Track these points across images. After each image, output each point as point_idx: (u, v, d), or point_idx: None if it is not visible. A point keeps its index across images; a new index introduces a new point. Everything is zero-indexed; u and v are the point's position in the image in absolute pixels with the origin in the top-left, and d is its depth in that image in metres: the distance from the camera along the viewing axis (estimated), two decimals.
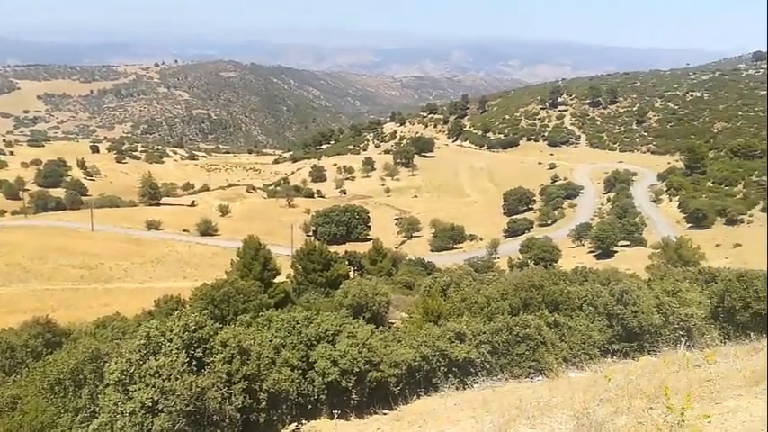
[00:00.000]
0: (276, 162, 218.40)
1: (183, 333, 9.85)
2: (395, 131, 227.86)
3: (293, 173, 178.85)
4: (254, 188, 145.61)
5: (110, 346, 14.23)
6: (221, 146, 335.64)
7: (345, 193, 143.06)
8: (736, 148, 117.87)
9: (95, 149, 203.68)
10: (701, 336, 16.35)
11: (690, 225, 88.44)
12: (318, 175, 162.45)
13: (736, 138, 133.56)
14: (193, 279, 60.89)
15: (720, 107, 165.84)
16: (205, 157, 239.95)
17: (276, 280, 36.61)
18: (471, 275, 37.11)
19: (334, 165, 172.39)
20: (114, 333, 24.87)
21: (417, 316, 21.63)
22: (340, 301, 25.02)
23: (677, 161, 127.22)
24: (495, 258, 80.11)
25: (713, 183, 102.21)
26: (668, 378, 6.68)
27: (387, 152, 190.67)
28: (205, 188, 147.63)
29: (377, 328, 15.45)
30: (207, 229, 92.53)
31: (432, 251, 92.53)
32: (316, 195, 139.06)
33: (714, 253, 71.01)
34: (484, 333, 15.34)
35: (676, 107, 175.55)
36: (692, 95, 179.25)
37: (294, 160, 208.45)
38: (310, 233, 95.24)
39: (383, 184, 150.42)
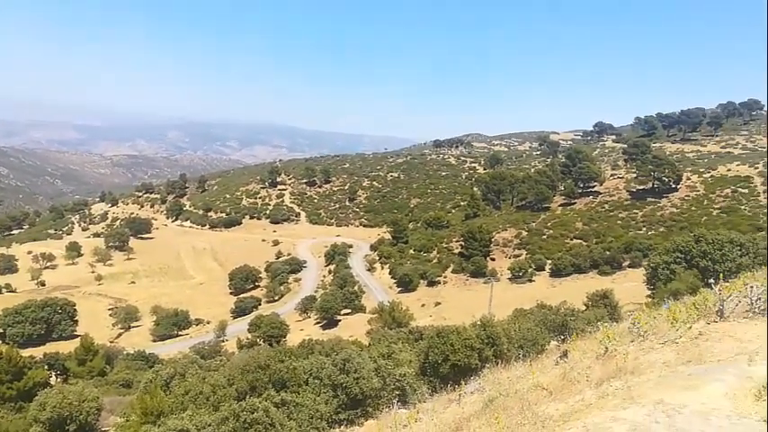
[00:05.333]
0: None
1: None
2: (106, 212, 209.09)
3: None
4: None
5: None
6: None
7: (44, 285, 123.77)
8: (428, 220, 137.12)
9: None
10: (413, 392, 17.95)
11: (400, 289, 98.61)
12: (7, 266, 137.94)
13: (428, 211, 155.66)
14: None
15: (414, 186, 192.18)
16: None
17: None
18: (197, 363, 35.02)
19: (29, 252, 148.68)
20: None
21: (135, 418, 19.35)
22: (35, 417, 21.05)
23: (385, 233, 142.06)
24: (223, 341, 77.28)
25: (414, 250, 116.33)
26: None
27: (97, 235, 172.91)
28: None
29: None
30: None
31: (154, 341, 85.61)
32: (4, 290, 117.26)
33: (421, 312, 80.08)
34: (209, 425, 14.41)
35: (380, 186, 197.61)
36: (391, 176, 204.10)
37: None
38: None
39: (93, 271, 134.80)
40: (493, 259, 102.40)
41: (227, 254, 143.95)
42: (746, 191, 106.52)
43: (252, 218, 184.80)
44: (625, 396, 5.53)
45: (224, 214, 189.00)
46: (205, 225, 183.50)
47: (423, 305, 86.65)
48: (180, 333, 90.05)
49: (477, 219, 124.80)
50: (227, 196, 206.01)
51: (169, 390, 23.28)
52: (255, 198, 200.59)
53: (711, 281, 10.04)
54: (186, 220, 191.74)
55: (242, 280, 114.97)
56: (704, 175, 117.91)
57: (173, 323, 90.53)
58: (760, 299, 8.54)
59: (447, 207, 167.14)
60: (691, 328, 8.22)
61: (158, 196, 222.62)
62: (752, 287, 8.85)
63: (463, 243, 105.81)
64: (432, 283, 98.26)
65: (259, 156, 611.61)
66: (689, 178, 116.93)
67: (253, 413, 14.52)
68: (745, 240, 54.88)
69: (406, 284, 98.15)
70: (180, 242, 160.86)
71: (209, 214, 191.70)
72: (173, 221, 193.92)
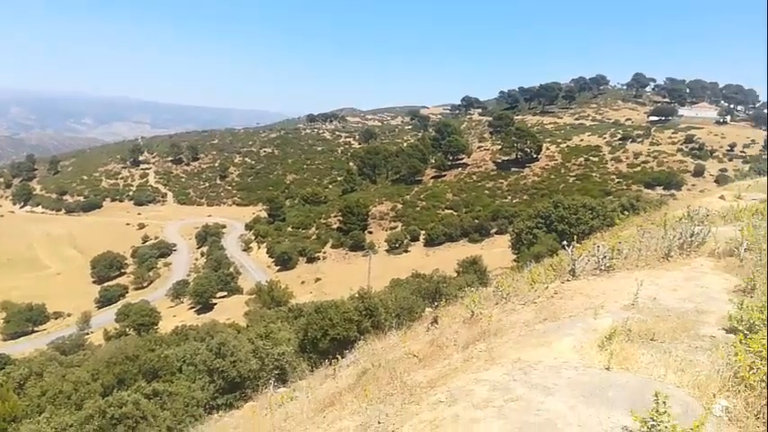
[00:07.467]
0: None
1: None
2: None
3: None
4: None
5: None
6: None
7: None
8: (306, 196, 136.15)
9: None
10: (293, 370, 17.85)
11: (279, 268, 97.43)
12: None
13: (305, 187, 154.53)
14: None
15: (289, 161, 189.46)
16: None
17: None
18: (57, 360, 32.52)
19: None
20: None
21: None
22: None
23: (261, 211, 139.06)
24: (87, 334, 72.10)
25: (292, 227, 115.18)
26: (257, 425, 6.93)
27: None
28: None
29: None
30: None
31: (5, 340, 77.99)
32: None
33: (301, 289, 79.87)
34: (71, 426, 13.37)
35: (253, 162, 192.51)
36: (265, 151, 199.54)
37: None
38: None
39: None
40: (370, 232, 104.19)
41: (87, 240, 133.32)
42: (596, 159, 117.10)
43: (113, 200, 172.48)
44: (487, 358, 5.84)
45: (82, 197, 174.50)
46: (60, 210, 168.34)
47: (303, 282, 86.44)
48: (36, 329, 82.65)
49: (354, 193, 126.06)
50: (85, 178, 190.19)
51: (23, 392, 21.28)
52: (116, 179, 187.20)
53: (565, 243, 10.84)
54: (37, 206, 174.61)
55: (106, 267, 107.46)
56: (561, 146, 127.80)
57: (26, 319, 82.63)
58: (605, 257, 9.39)
59: (324, 182, 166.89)
60: (548, 288, 8.85)
61: (1, 180, 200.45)
62: (598, 247, 9.70)
63: (341, 218, 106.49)
64: (311, 260, 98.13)
65: (119, 133, 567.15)
66: (548, 148, 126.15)
67: (121, 407, 13.68)
68: (596, 204, 60.52)
69: (284, 262, 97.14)
70: (31, 230, 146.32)
71: (65, 198, 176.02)
72: (21, 207, 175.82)
